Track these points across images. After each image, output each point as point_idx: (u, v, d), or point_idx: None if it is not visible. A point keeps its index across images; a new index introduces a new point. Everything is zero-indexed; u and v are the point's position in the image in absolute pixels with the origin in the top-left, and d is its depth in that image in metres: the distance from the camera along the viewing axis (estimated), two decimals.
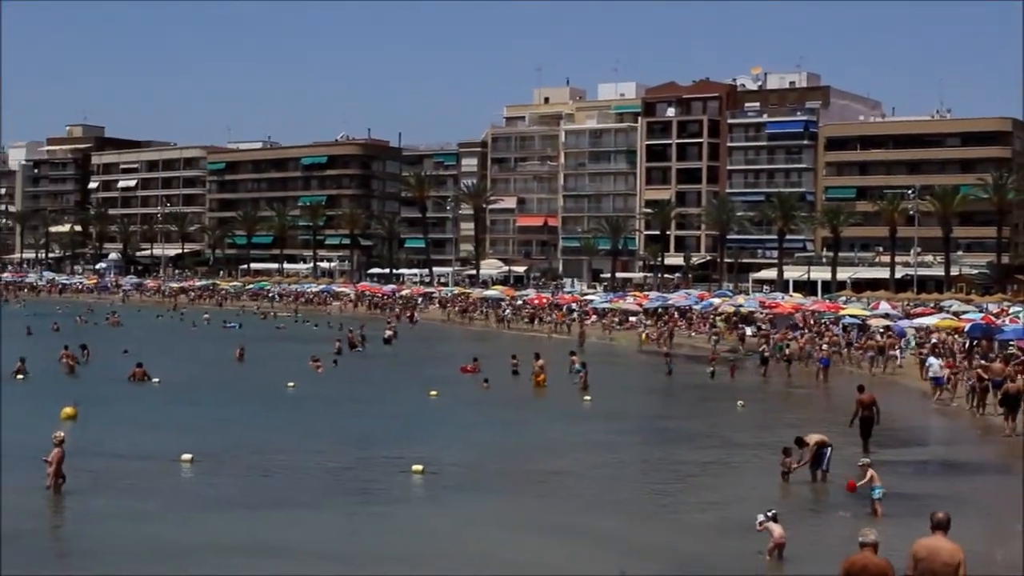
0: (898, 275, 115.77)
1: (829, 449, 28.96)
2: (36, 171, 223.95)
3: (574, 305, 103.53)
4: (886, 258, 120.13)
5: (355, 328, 77.89)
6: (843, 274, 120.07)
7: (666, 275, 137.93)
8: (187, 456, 30.15)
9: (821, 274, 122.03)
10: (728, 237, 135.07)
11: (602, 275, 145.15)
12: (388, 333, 79.37)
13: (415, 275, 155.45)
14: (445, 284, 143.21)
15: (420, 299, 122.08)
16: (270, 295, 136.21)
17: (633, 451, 35.19)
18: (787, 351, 64.02)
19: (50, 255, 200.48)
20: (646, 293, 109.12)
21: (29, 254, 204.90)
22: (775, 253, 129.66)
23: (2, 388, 45.21)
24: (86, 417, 37.86)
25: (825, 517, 26.06)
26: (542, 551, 22.08)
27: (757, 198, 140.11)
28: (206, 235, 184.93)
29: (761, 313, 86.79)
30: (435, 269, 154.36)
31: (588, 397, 47.32)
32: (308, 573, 20.43)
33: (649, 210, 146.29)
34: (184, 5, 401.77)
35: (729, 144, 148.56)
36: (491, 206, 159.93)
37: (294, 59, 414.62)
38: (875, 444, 33.65)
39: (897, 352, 62.51)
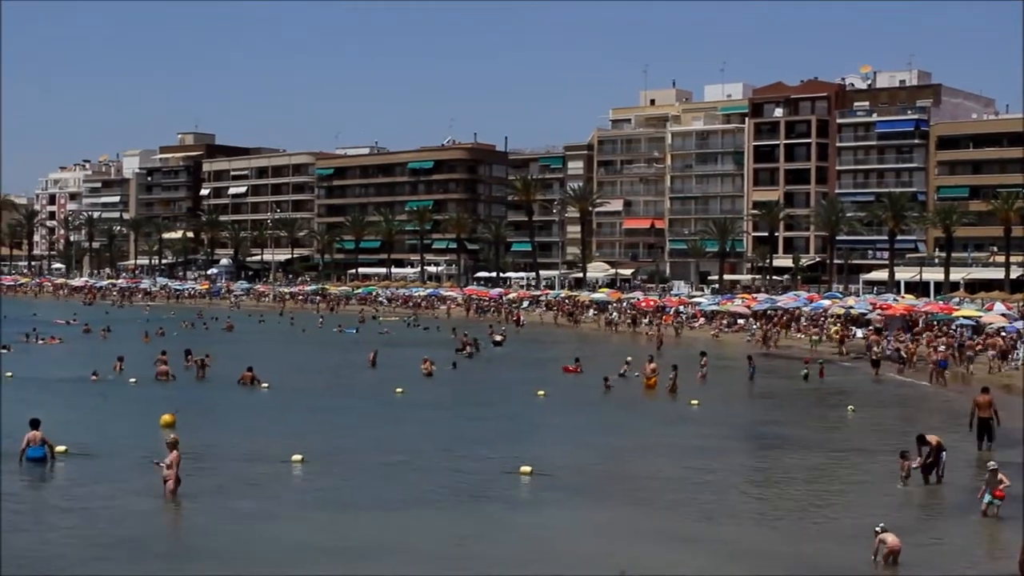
0: (1013, 275, 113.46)
1: (944, 453, 28.55)
2: (149, 179, 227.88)
3: (680, 308, 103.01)
4: (1001, 258, 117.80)
5: (468, 332, 78.39)
6: (956, 275, 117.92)
7: (774, 277, 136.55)
8: (297, 457, 30.47)
9: (933, 275, 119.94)
10: (838, 238, 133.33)
11: (709, 277, 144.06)
12: (499, 336, 79.84)
13: (521, 278, 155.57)
14: (551, 287, 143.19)
15: (526, 302, 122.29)
16: (378, 299, 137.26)
17: (741, 456, 34.88)
18: (886, 352, 63.17)
19: (163, 261, 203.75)
20: (754, 295, 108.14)
21: (143, 260, 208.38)
22: (886, 254, 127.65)
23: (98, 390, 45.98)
24: (198, 420, 38.49)
25: (943, 522, 25.60)
26: (647, 557, 21.94)
27: (867, 198, 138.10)
28: (315, 240, 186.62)
29: (873, 315, 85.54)
30: (541, 272, 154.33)
31: (696, 401, 47.02)
32: (417, 574, 20.49)
33: (757, 211, 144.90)
34: (291, 12, 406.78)
35: (838, 144, 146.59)
36: (597, 209, 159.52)
37: (401, 64, 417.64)
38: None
39: (1019, 354, 61.44)
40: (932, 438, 28.90)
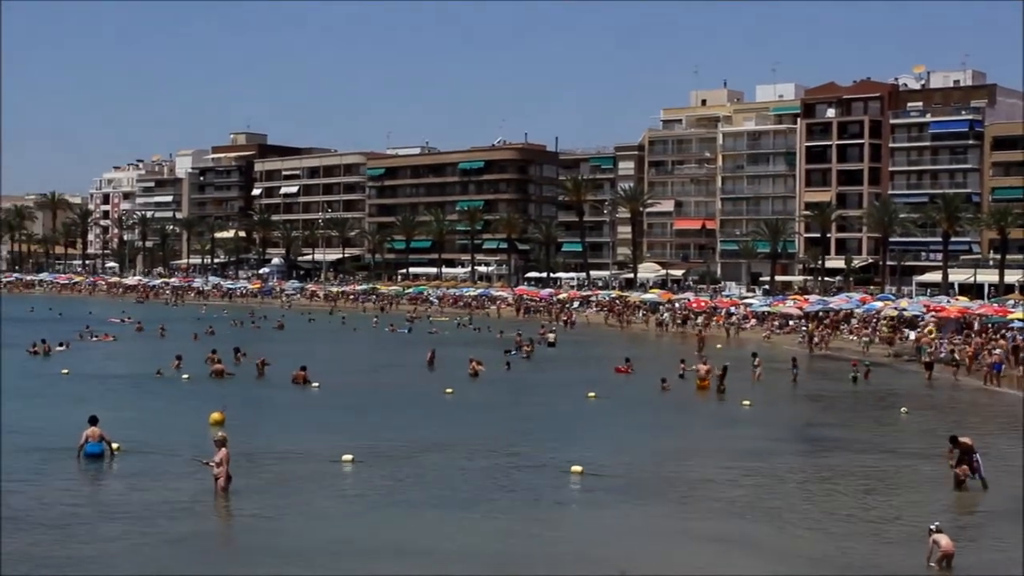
0: None
1: (977, 455, 28.32)
2: (202, 178, 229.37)
3: (731, 309, 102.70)
4: None
5: (522, 332, 78.62)
6: (1011, 277, 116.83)
7: (827, 278, 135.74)
8: (348, 457, 30.60)
9: (988, 277, 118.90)
10: (891, 239, 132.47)
11: (761, 278, 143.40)
12: (551, 336, 79.95)
13: (572, 279, 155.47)
14: (602, 288, 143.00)
15: (577, 303, 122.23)
16: (428, 299, 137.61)
17: (792, 458, 34.67)
18: (939, 354, 62.71)
19: (215, 260, 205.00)
20: (806, 297, 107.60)
21: (195, 259, 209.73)
22: (939, 256, 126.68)
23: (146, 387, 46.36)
24: (249, 419, 38.77)
25: (1000, 526, 25.38)
26: (695, 558, 21.91)
27: (920, 199, 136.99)
28: (366, 240, 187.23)
29: (926, 317, 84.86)
30: (592, 273, 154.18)
31: (748, 402, 46.89)
32: (466, 573, 20.53)
33: (809, 212, 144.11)
34: (342, 12, 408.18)
35: (891, 145, 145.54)
36: (648, 209, 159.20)
37: (451, 65, 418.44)
38: None
39: None
40: (964, 439, 28.72)
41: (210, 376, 53.15)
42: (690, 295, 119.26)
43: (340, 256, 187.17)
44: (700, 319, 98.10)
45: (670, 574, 20.69)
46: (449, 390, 50.07)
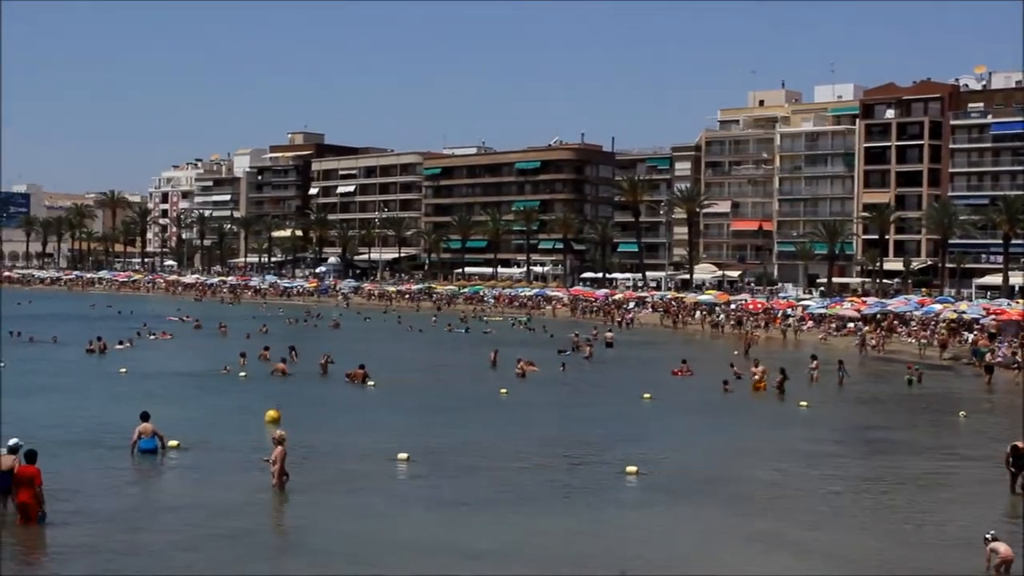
0: None
1: None
2: (260, 178, 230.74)
3: (788, 311, 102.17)
4: None
5: (579, 332, 78.63)
6: None
7: (885, 280, 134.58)
8: (403, 455, 30.61)
9: None
10: (950, 241, 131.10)
11: (818, 280, 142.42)
12: (609, 335, 79.86)
13: (628, 279, 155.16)
14: (658, 288, 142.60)
15: (633, 303, 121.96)
16: (484, 299, 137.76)
17: (849, 460, 34.40)
18: (997, 357, 62.05)
19: (272, 259, 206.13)
20: (864, 299, 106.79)
21: (252, 258, 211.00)
22: (1000, 258, 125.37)
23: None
24: (306, 417, 38.94)
25: None
26: (747, 560, 21.74)
27: (981, 201, 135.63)
28: (422, 239, 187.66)
29: (986, 320, 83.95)
30: (648, 273, 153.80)
31: (805, 403, 46.62)
32: (520, 572, 20.46)
33: (867, 214, 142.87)
34: (399, 13, 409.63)
35: (952, 146, 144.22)
36: (705, 210, 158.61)
37: (508, 65, 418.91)
38: None
39: None
40: (1020, 443, 28.46)
41: (272, 375, 53.37)
42: (746, 296, 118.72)
43: (396, 255, 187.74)
44: (746, 321, 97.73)
45: (724, 574, 20.55)
46: (504, 390, 50.13)
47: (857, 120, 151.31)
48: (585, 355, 68.67)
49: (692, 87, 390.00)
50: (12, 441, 24.08)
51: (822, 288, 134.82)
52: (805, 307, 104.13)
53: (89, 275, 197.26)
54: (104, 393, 46.59)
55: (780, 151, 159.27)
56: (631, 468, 29.53)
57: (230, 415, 40.59)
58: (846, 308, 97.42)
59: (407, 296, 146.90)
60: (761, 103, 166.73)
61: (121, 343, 68.55)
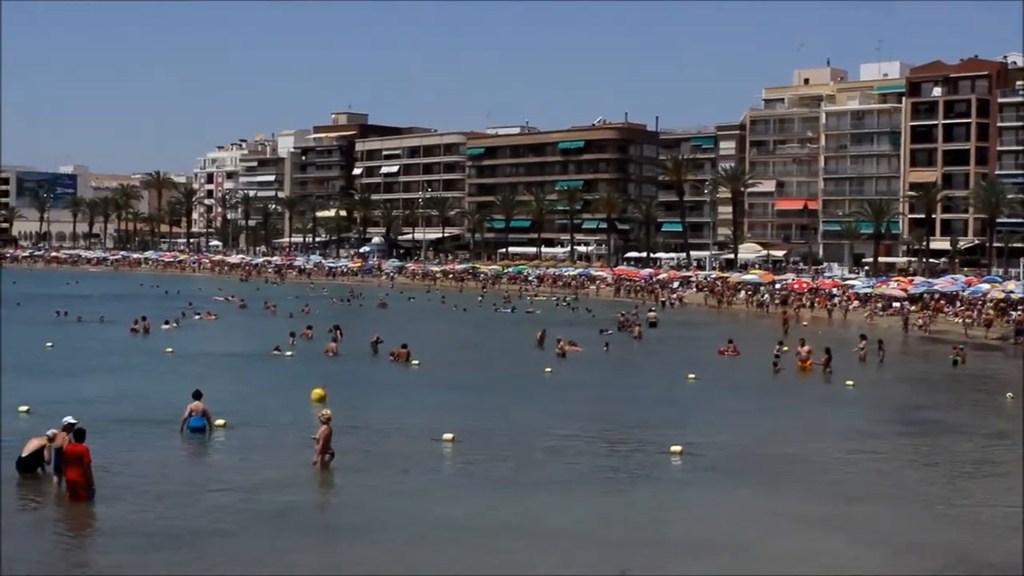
0: None
1: None
2: (304, 158, 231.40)
3: (834, 290, 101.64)
4: None
5: (626, 312, 78.55)
6: None
7: (931, 260, 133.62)
8: (449, 436, 30.63)
9: None
10: (998, 220, 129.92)
11: (864, 260, 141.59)
12: (653, 315, 79.69)
13: (672, 259, 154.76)
14: (702, 268, 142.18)
15: (677, 283, 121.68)
16: (528, 279, 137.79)
17: (896, 440, 34.08)
18: None
19: (316, 239, 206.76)
20: (910, 278, 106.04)
21: (297, 238, 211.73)
22: None
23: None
24: (350, 395, 39.04)
25: None
26: (800, 541, 21.62)
27: None
28: (466, 219, 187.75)
29: None
30: (692, 253, 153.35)
31: (851, 382, 46.41)
32: (565, 553, 20.44)
33: (913, 193, 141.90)
34: None
35: (999, 124, 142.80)
36: (749, 189, 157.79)
37: (550, 44, 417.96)
38: None
39: None
40: None
41: (325, 354, 53.45)
42: (791, 276, 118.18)
43: (440, 235, 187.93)
44: (791, 301, 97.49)
45: (773, 558, 20.44)
46: (548, 369, 50.15)
47: (903, 98, 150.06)
48: (634, 335, 68.56)
49: (737, 66, 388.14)
50: (67, 419, 24.29)
51: (868, 268, 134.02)
52: (851, 287, 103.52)
53: (135, 255, 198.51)
54: (151, 372, 46.98)
55: (825, 130, 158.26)
56: (676, 448, 29.43)
57: (276, 394, 40.77)
58: (892, 288, 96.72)
59: (450, 276, 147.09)
60: (806, 81, 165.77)
61: (167, 323, 68.96)
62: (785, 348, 55.22)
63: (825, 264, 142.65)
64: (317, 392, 37.88)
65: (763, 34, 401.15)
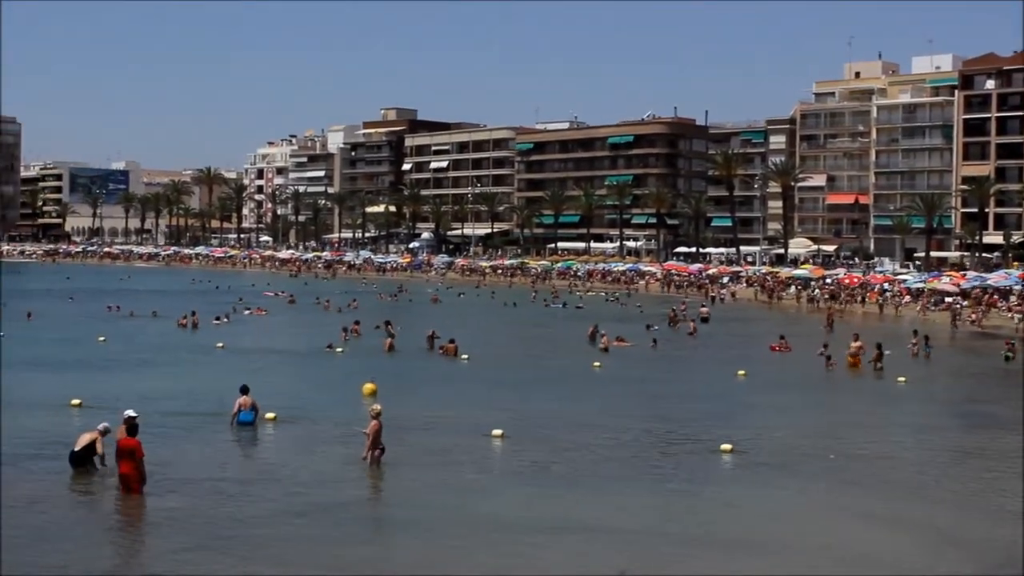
0: None
1: None
2: (353, 153, 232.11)
3: (885, 285, 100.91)
4: None
5: (676, 306, 78.34)
6: None
7: (984, 254, 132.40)
8: (498, 432, 30.59)
9: None
10: None
11: (916, 254, 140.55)
12: (704, 311, 79.34)
13: (721, 254, 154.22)
14: (752, 263, 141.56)
15: (727, 278, 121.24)
16: (577, 274, 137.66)
17: (948, 436, 33.75)
18: None
19: (366, 234, 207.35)
20: (963, 273, 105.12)
21: (347, 233, 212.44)
22: None
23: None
24: (399, 390, 39.09)
25: None
26: (847, 536, 21.45)
27: None
28: (515, 215, 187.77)
29: None
30: (742, 248, 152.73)
31: (903, 378, 46.02)
32: (614, 549, 20.37)
33: (966, 187, 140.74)
34: None
35: None
36: (800, 184, 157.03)
37: (600, 39, 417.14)
38: None
39: None
40: None
41: (387, 351, 53.43)
42: (842, 271, 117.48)
43: (489, 231, 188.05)
44: (840, 295, 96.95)
45: (828, 553, 20.31)
46: (597, 364, 50.06)
47: (956, 91, 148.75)
48: (689, 331, 68.15)
49: (787, 60, 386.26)
50: (128, 412, 24.47)
51: (919, 263, 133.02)
52: (902, 281, 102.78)
53: (186, 251, 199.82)
54: (201, 367, 47.23)
55: (877, 123, 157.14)
56: (726, 446, 29.24)
57: (327, 389, 40.87)
58: (944, 282, 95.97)
59: (499, 271, 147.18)
60: (857, 75, 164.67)
61: (217, 318, 69.33)
62: (828, 350, 54.32)
63: (876, 259, 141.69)
64: (368, 387, 38.00)
65: (814, 28, 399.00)
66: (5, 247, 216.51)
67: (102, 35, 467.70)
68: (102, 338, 57.57)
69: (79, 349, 52.61)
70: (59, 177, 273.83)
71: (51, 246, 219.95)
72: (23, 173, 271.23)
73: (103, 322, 68.52)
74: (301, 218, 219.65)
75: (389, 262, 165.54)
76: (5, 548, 18.97)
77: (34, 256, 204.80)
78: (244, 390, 31.71)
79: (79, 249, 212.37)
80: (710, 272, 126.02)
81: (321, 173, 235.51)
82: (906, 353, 55.13)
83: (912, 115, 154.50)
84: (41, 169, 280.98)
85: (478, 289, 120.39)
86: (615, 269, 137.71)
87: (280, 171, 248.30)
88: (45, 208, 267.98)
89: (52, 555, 18.86)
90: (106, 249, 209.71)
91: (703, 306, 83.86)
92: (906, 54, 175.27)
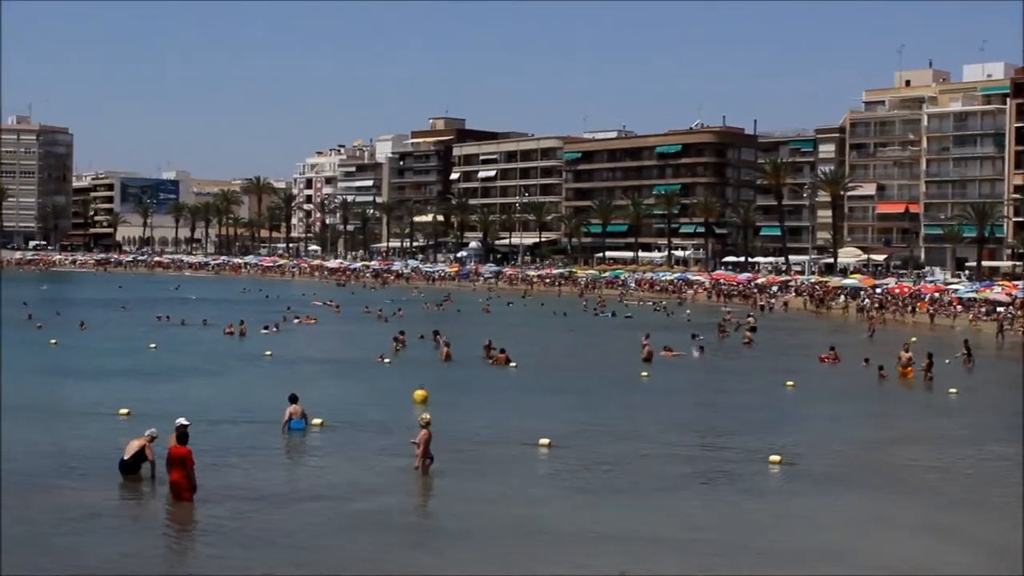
0: None
1: None
2: (401, 163, 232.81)
3: (936, 295, 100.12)
4: None
5: (724, 316, 78.06)
6: None
7: None
8: (545, 441, 30.56)
9: None
10: None
11: (967, 263, 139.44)
12: (751, 320, 79.00)
13: (770, 263, 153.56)
14: (801, 272, 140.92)
15: (775, 288, 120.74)
16: (625, 283, 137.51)
17: (1000, 448, 33.36)
18: None
19: (414, 244, 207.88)
20: (1015, 282, 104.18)
21: (395, 243, 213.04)
22: None
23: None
24: (449, 399, 39.09)
25: None
26: (898, 548, 21.26)
27: None
28: (563, 224, 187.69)
29: None
30: (791, 257, 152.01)
31: (954, 389, 45.61)
32: (661, 560, 20.29)
33: (1018, 195, 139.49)
34: (538, 3, 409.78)
35: None
36: (849, 193, 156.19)
37: (647, 47, 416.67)
38: None
39: None
40: None
41: (445, 361, 53.30)
42: (892, 280, 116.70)
43: (536, 240, 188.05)
44: (883, 305, 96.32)
45: (877, 566, 20.15)
46: (644, 374, 49.93)
47: (1008, 99, 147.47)
48: (745, 341, 67.70)
49: (836, 68, 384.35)
50: (180, 421, 24.63)
51: (970, 272, 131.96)
52: (953, 291, 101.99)
53: (236, 260, 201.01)
54: (250, 376, 47.47)
55: (927, 132, 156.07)
56: (775, 457, 29.04)
57: (376, 397, 40.94)
58: (996, 292, 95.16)
59: (547, 280, 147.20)
60: (908, 83, 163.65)
61: (266, 327, 69.69)
62: (870, 363, 53.80)
63: (927, 268, 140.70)
64: (419, 393, 38.11)
65: (863, 36, 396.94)
66: (57, 256, 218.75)
67: (153, 46, 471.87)
68: (153, 345, 58.13)
69: (131, 358, 53.03)
70: (110, 187, 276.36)
71: (102, 255, 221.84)
72: (75, 183, 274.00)
73: (155, 330, 69.04)
74: (349, 227, 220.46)
75: (437, 271, 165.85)
76: (54, 554, 19.21)
77: (85, 265, 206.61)
78: (293, 399, 31.94)
79: (130, 258, 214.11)
80: (759, 282, 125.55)
81: (369, 183, 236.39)
82: (957, 363, 54.65)
83: (963, 123, 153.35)
84: (93, 179, 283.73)
85: (525, 298, 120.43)
86: (663, 279, 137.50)
87: (329, 181, 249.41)
88: (96, 218, 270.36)
89: (100, 563, 19.00)
90: (156, 258, 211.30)
91: (749, 315, 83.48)
92: (957, 62, 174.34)
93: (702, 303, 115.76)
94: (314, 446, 30.52)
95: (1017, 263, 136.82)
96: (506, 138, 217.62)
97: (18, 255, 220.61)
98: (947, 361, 51.79)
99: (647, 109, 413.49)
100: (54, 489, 23.92)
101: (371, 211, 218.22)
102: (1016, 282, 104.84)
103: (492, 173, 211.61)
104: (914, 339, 55.29)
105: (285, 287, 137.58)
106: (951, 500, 25.40)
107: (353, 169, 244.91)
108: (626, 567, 19.41)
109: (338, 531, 21.33)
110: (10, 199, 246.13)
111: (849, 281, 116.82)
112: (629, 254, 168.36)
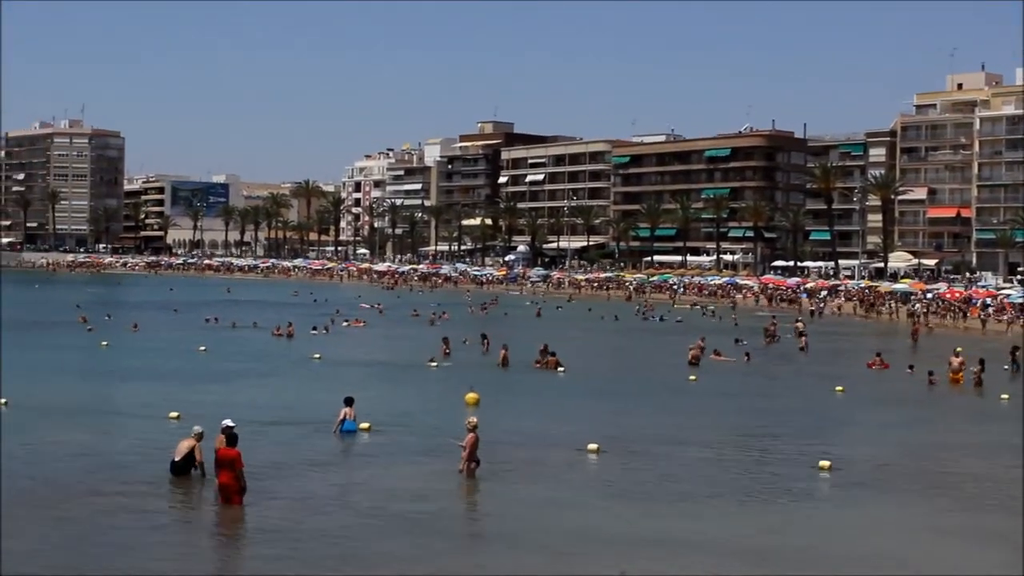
0: None
1: None
2: (450, 166, 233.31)
3: (987, 300, 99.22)
4: None
5: (771, 322, 77.66)
6: None
7: None
8: (593, 446, 30.47)
9: None
10: None
11: (1019, 268, 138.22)
12: (800, 325, 78.46)
13: (819, 268, 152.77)
14: (851, 277, 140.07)
15: (825, 292, 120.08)
16: (673, 287, 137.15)
17: None
18: None
19: (462, 247, 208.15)
20: None
21: (443, 246, 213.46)
22: None
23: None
24: (496, 403, 39.08)
25: None
26: (948, 555, 21.09)
27: None
28: (611, 228, 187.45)
29: None
30: (841, 262, 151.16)
31: (1006, 396, 45.18)
32: (708, 565, 20.19)
33: None
34: (586, 3, 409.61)
35: None
36: (900, 197, 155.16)
37: (697, 51, 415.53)
38: None
39: None
40: None
41: (500, 364, 52.78)
42: (943, 285, 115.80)
43: (585, 244, 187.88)
44: (929, 310, 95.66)
45: (928, 573, 20.00)
46: (692, 378, 49.75)
47: None
48: (800, 346, 67.16)
49: (887, 71, 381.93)
50: (226, 422, 24.75)
51: (1023, 276, 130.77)
52: (1005, 296, 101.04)
53: (285, 263, 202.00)
54: (299, 378, 47.59)
55: (979, 135, 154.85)
56: (824, 463, 28.84)
57: (424, 400, 40.99)
58: None
59: (595, 284, 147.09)
60: (959, 87, 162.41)
61: (315, 329, 69.98)
62: (915, 370, 53.28)
63: (978, 273, 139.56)
64: (471, 396, 38.16)
65: (914, 39, 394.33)
66: (108, 259, 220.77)
67: (204, 50, 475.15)
68: (203, 348, 58.52)
69: (181, 360, 53.38)
70: (161, 190, 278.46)
71: (153, 258, 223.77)
72: (126, 187, 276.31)
73: (205, 332, 69.51)
74: (398, 231, 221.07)
75: (485, 275, 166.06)
76: (104, 556, 19.39)
77: (136, 268, 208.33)
78: (349, 401, 32.12)
79: (180, 261, 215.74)
80: (808, 286, 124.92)
81: (418, 186, 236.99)
82: (1007, 370, 54.15)
83: (1016, 127, 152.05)
84: (144, 183, 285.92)
85: (571, 302, 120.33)
86: (712, 283, 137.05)
87: (377, 184, 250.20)
88: (147, 221, 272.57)
89: (149, 563, 19.13)
90: (206, 261, 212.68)
91: (798, 320, 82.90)
92: (1010, 65, 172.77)
93: (749, 308, 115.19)
94: (362, 448, 30.58)
95: None
96: (554, 142, 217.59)
97: (70, 257, 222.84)
98: (1005, 368, 51.40)
99: (696, 112, 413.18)
100: (104, 491, 24.10)
101: (419, 214, 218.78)
102: None
103: (540, 177, 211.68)
104: (959, 348, 54.63)
105: (334, 290, 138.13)
106: (999, 506, 25.15)
107: (401, 172, 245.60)
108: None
109: (384, 534, 21.35)
110: (62, 202, 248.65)
111: (899, 286, 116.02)
112: (677, 258, 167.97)
